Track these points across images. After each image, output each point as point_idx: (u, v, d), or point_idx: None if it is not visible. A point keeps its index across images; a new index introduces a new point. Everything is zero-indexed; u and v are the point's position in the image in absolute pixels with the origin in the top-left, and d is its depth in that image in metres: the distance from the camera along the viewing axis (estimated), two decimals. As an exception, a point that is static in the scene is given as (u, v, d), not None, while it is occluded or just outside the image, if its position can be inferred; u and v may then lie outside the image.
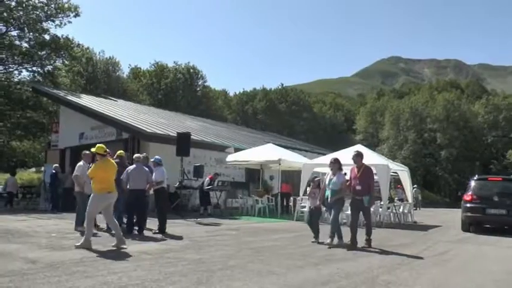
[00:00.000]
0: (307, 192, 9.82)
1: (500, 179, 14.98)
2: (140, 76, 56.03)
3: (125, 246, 7.65)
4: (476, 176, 15.32)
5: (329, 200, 8.97)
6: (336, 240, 8.82)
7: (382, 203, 15.29)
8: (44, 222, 12.40)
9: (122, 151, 10.73)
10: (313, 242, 9.18)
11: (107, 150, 8.21)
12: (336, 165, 9.15)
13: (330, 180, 9.04)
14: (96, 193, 7.78)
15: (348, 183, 9.00)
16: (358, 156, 9.16)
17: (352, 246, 8.62)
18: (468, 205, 13.54)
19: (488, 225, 13.93)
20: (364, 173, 8.96)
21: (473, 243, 10.96)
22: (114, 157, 10.44)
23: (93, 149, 8.35)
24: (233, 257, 7.14)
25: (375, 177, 19.42)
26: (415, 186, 33.30)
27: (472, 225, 13.77)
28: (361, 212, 9.04)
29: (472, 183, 14.13)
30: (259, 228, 12.52)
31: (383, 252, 8.44)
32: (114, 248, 7.57)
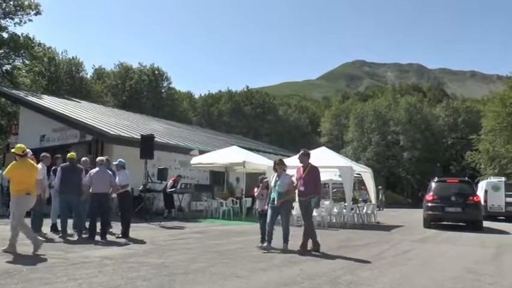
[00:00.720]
0: (255, 194, 9.35)
1: (457, 181, 16.86)
2: (104, 77, 54.95)
3: (39, 251, 7.41)
4: (436, 178, 16.95)
5: (275, 202, 8.46)
6: (284, 245, 8.45)
7: (346, 204, 15.56)
8: (1, 227, 11.97)
9: (73, 153, 10.41)
10: (258, 246, 8.68)
11: (26, 150, 7.99)
12: (281, 166, 8.77)
13: (276, 182, 8.62)
14: (15, 195, 7.58)
15: (294, 185, 8.65)
16: (305, 156, 8.78)
17: (313, 249, 8.41)
18: (429, 204, 15.23)
19: (446, 222, 15.51)
20: (310, 173, 8.54)
21: (433, 242, 11.28)
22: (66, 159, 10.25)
23: (13, 150, 8.20)
24: (196, 261, 7.09)
25: (338, 178, 19.90)
26: (380, 187, 34.00)
27: (433, 222, 15.32)
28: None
29: (433, 185, 15.85)
30: (223, 231, 12.48)
31: (345, 253, 8.57)
32: (32, 255, 7.30)
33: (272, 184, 8.71)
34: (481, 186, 22.87)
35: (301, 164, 8.82)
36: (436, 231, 14.19)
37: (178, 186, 16.86)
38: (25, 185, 7.58)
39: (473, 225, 14.84)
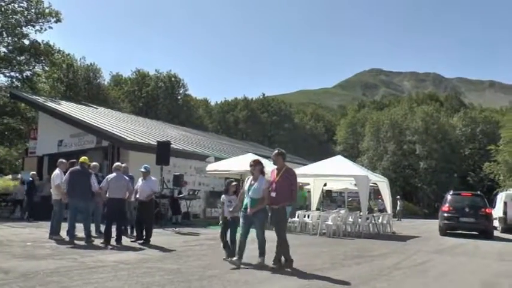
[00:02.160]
0: (220, 200, 8.16)
1: (470, 194, 18.78)
2: (121, 83, 55.57)
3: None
4: (452, 191, 19.07)
5: (248, 210, 7.18)
6: (261, 259, 7.28)
7: (361, 213, 15.44)
8: (19, 230, 12.14)
9: (85, 157, 10.49)
10: (225, 259, 7.67)
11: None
12: (258, 167, 7.39)
13: (250, 186, 7.25)
14: None
15: (269, 190, 7.32)
16: (279, 156, 7.51)
17: (285, 265, 7.24)
18: (445, 214, 16.91)
19: (460, 231, 17.07)
20: (284, 176, 7.28)
21: (450, 254, 11.10)
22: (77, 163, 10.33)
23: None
24: (211, 267, 7.08)
25: (354, 187, 19.76)
26: (398, 197, 33.65)
27: (448, 230, 16.92)
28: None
29: (449, 197, 17.76)
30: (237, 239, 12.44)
31: (361, 263, 8.48)
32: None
33: (246, 188, 7.35)
34: (500, 198, 22.44)
35: (275, 166, 7.57)
36: (453, 243, 13.99)
37: (186, 193, 16.92)
38: None
39: (485, 235, 16.30)
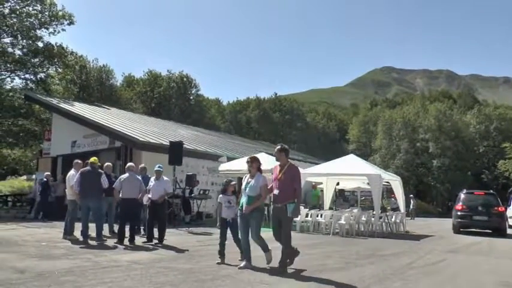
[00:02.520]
0: (218, 200, 7.76)
1: (483, 193, 18.77)
2: (134, 84, 55.96)
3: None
4: (465, 190, 19.08)
5: (244, 209, 7.00)
6: (245, 263, 7.06)
7: (374, 212, 15.36)
8: (34, 230, 12.28)
9: (95, 158, 10.56)
10: (218, 263, 7.39)
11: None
12: (255, 164, 7.17)
13: (247, 183, 7.08)
14: None
15: (269, 188, 7.18)
16: (281, 152, 7.16)
17: (282, 266, 6.90)
18: (459, 213, 17.22)
19: (474, 229, 17.29)
20: (287, 173, 6.97)
21: (465, 253, 10.98)
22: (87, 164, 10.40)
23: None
24: (225, 267, 7.09)
25: (367, 186, 19.64)
26: (411, 196, 33.41)
27: (462, 228, 17.20)
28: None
29: (462, 196, 17.97)
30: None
31: (374, 262, 8.43)
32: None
33: (243, 186, 7.16)
34: (515, 196, 22.21)
35: (277, 163, 7.27)
36: (468, 242, 13.85)
37: (196, 192, 16.96)
38: None
39: (498, 232, 16.65)
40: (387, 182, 18.25)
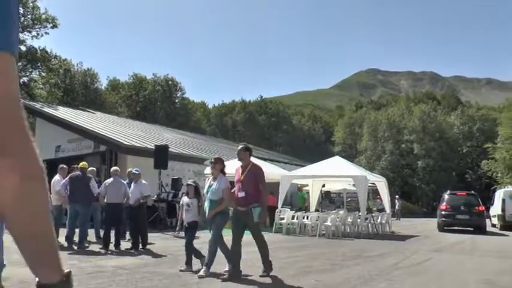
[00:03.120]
0: (180, 203, 7.48)
1: (465, 194, 20.47)
2: (118, 88, 55.62)
3: None
4: (449, 191, 20.54)
5: (207, 214, 6.64)
6: (204, 270, 6.55)
7: (360, 213, 15.45)
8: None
9: (84, 163, 10.48)
10: (181, 270, 6.90)
11: None
12: (217, 166, 6.74)
13: (209, 187, 6.67)
14: None
15: (233, 191, 6.76)
16: (245, 152, 6.76)
17: (234, 274, 6.44)
18: (443, 212, 18.71)
19: (457, 227, 18.60)
20: (250, 174, 6.54)
21: (450, 252, 11.11)
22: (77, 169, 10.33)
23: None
24: (210, 271, 7.06)
25: (352, 187, 19.76)
26: (397, 196, 33.70)
27: (446, 227, 18.56)
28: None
29: (446, 196, 19.48)
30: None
31: (360, 263, 8.47)
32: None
33: (205, 190, 6.77)
34: (499, 195, 22.49)
35: (240, 163, 6.85)
36: (452, 242, 14.02)
37: (180, 196, 16.88)
38: None
39: (479, 230, 18.07)
40: (373, 183, 18.39)
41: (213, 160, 6.89)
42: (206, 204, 6.66)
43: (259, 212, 6.45)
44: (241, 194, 6.51)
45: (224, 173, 6.77)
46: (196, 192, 7.24)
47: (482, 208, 18.60)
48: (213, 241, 6.53)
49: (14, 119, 0.90)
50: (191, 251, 7.05)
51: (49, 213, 0.99)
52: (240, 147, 6.83)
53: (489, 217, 24.22)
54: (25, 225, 0.99)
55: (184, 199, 7.35)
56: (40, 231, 1.00)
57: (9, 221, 0.99)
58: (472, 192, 21.20)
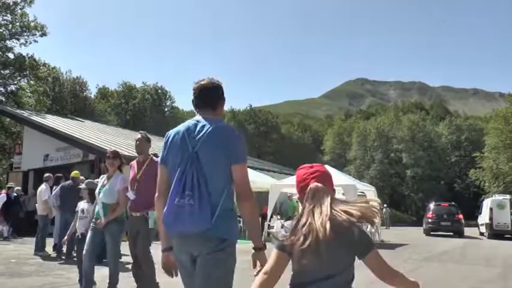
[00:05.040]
0: (76, 209, 6.28)
1: (447, 204, 24.00)
2: (108, 96, 55.38)
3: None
4: (433, 202, 24.65)
5: (97, 221, 5.23)
6: None
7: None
8: (2, 247, 11.93)
9: (76, 172, 10.39)
10: None
11: None
12: (115, 162, 5.42)
13: (102, 186, 5.34)
14: None
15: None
16: (148, 142, 5.44)
17: None
18: (429, 220, 22.53)
19: (440, 232, 22.08)
20: (149, 172, 5.00)
21: (438, 260, 11.16)
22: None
23: None
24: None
25: (342, 196, 19.77)
26: (385, 205, 33.82)
27: (432, 232, 22.09)
28: None
29: (432, 206, 23.27)
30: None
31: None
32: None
33: (97, 191, 5.40)
34: (486, 204, 22.69)
35: (137, 158, 5.45)
36: (441, 250, 14.08)
37: None
38: None
39: (458, 234, 21.55)
40: (362, 192, 18.42)
41: (109, 154, 5.47)
42: (97, 209, 5.28)
43: (156, 217, 4.91)
44: (132, 196, 5.18)
45: (122, 171, 5.50)
46: (91, 195, 5.83)
47: (460, 216, 22.22)
48: (114, 257, 5.35)
49: None
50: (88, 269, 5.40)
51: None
52: (139, 135, 5.42)
53: (477, 225, 24.50)
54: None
55: (80, 204, 6.19)
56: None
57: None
58: (453, 203, 24.60)
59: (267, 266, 2.05)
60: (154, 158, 5.21)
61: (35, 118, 22.50)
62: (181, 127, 2.65)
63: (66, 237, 6.61)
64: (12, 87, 31.21)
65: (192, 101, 2.70)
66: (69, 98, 44.87)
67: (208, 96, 2.67)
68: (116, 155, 5.46)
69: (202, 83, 2.69)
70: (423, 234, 22.34)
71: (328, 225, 1.89)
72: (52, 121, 22.80)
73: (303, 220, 1.98)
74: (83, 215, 5.97)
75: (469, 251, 13.85)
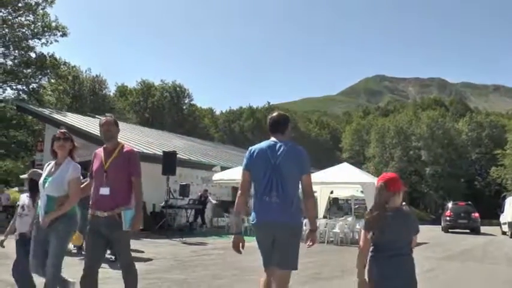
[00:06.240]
0: (16, 204, 5.34)
1: (464, 203, 25.22)
2: (127, 94, 55.89)
3: None
4: (451, 202, 26.16)
5: (41, 220, 4.12)
6: None
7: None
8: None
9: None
10: None
11: None
12: (67, 144, 4.43)
13: (49, 175, 4.25)
14: None
15: (86, 184, 4.52)
16: (116, 126, 4.52)
17: None
18: (448, 218, 23.93)
19: (458, 229, 23.38)
20: (121, 160, 4.29)
21: (459, 260, 11.01)
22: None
23: None
24: (219, 277, 7.06)
25: (360, 194, 19.68)
26: (404, 203, 33.53)
27: (450, 229, 23.47)
28: None
29: (449, 205, 24.87)
30: (245, 248, 12.40)
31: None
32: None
33: (41, 180, 4.29)
34: (509, 203, 22.26)
35: (104, 145, 4.54)
36: (462, 249, 13.91)
37: (185, 202, 17.05)
38: None
39: (475, 231, 23.00)
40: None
41: (59, 135, 4.41)
42: (41, 204, 4.22)
43: (131, 216, 4.11)
44: (104, 191, 4.14)
45: (74, 158, 4.47)
46: (32, 187, 4.83)
47: (477, 215, 23.46)
48: (56, 262, 4.13)
49: None
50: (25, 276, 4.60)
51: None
52: (107, 119, 4.52)
53: (499, 224, 24.15)
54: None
55: (22, 198, 5.07)
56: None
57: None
58: (469, 202, 25.74)
59: (361, 243, 3.32)
60: (125, 146, 4.47)
61: (56, 116, 22.84)
62: (263, 145, 3.99)
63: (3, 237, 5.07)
64: (34, 86, 31.66)
65: (268, 126, 4.12)
66: (89, 96, 45.41)
67: (278, 125, 4.09)
68: (67, 136, 4.43)
69: (274, 116, 4.16)
70: (441, 232, 23.55)
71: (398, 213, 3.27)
72: (72, 119, 23.12)
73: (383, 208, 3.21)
74: (23, 212, 4.84)
75: (490, 250, 13.63)
